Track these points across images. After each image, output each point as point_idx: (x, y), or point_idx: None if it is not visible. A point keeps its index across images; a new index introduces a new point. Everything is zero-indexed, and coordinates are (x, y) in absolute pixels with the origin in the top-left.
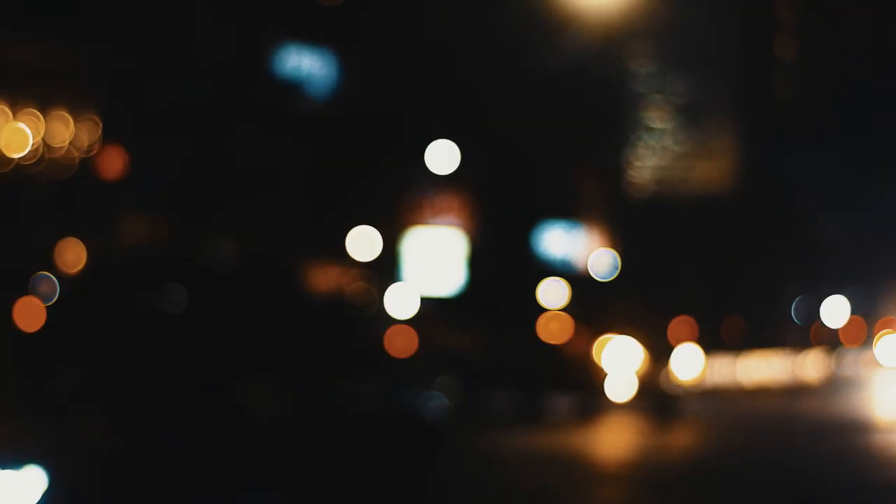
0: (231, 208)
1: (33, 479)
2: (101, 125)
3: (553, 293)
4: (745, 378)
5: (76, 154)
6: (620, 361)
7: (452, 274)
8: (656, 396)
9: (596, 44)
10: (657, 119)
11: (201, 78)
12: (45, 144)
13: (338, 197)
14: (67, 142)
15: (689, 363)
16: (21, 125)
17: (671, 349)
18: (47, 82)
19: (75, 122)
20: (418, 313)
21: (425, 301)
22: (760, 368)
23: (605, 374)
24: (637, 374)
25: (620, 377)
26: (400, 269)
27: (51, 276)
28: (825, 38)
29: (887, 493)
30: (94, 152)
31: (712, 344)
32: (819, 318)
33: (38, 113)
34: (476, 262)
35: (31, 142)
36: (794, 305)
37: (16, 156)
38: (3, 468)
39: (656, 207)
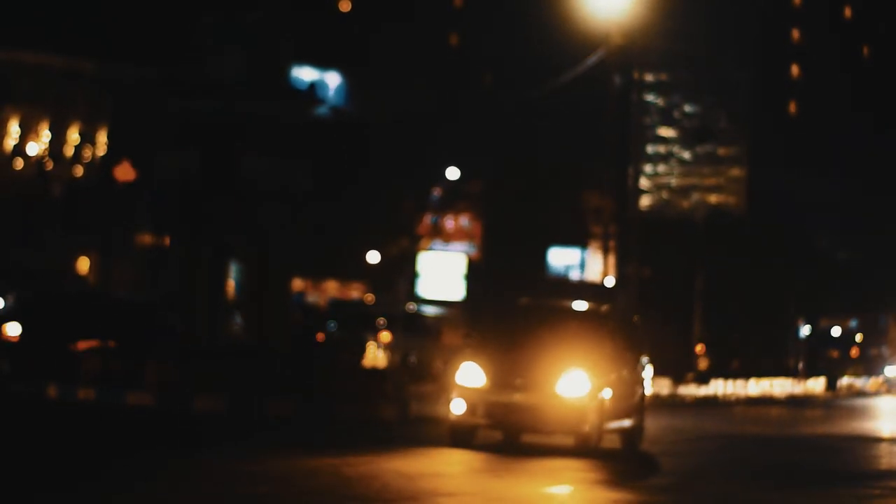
0: (240, 224)
1: None
2: (111, 140)
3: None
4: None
5: (84, 168)
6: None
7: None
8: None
9: (607, 60)
10: (666, 136)
11: (212, 95)
12: (55, 157)
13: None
14: (79, 154)
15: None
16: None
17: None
18: (60, 97)
19: (86, 136)
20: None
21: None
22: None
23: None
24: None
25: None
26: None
27: None
28: (833, 54)
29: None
30: (103, 167)
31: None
32: (828, 338)
33: (51, 125)
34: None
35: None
36: (801, 326)
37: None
38: None
39: (664, 225)
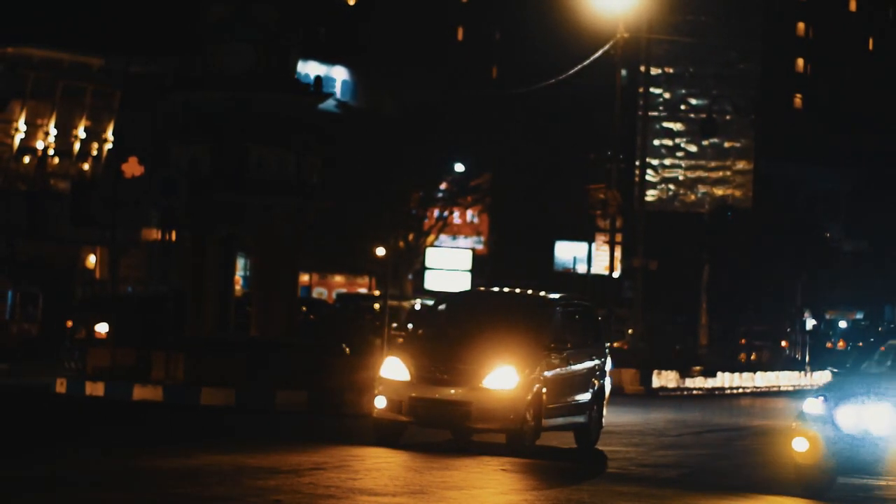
0: (247, 218)
1: None
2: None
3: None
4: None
5: (91, 162)
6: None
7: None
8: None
9: (614, 54)
10: (674, 128)
11: (221, 88)
12: (62, 152)
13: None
14: (86, 149)
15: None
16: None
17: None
18: (68, 92)
19: (94, 130)
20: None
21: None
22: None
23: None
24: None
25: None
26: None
27: None
28: (839, 47)
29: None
30: (110, 161)
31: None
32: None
33: (58, 120)
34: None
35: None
36: (808, 318)
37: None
38: None
39: (669, 218)
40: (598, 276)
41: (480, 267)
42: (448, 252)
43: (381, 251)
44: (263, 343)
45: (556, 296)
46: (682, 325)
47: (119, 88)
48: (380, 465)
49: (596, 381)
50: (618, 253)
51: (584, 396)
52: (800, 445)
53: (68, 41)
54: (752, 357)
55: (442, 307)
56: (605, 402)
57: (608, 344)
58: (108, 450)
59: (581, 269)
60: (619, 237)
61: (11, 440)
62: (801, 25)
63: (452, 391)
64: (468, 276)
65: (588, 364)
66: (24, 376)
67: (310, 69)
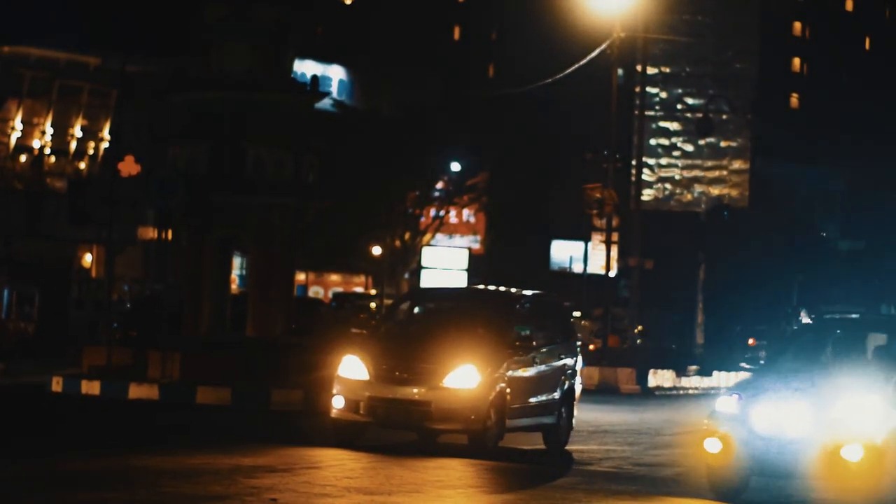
0: (244, 217)
1: None
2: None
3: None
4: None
5: (87, 160)
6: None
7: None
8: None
9: (611, 53)
10: (671, 127)
11: (218, 87)
12: (59, 151)
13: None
14: (83, 148)
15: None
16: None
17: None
18: (65, 91)
19: (91, 129)
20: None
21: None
22: None
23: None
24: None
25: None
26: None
27: None
28: (834, 47)
29: None
30: (107, 160)
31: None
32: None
33: (55, 119)
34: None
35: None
36: (804, 317)
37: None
38: None
39: (669, 218)
40: (595, 276)
41: (477, 266)
42: (444, 251)
43: (377, 250)
44: (259, 342)
45: (522, 292)
46: (679, 323)
47: (116, 88)
48: (375, 464)
49: (565, 381)
50: (614, 252)
51: (553, 396)
52: (712, 446)
53: (65, 40)
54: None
55: (405, 304)
56: (575, 402)
57: (579, 342)
58: (105, 449)
59: (577, 268)
60: (615, 236)
61: (7, 439)
62: (797, 25)
63: (412, 391)
64: (464, 275)
65: (556, 363)
66: (20, 375)
67: (307, 68)
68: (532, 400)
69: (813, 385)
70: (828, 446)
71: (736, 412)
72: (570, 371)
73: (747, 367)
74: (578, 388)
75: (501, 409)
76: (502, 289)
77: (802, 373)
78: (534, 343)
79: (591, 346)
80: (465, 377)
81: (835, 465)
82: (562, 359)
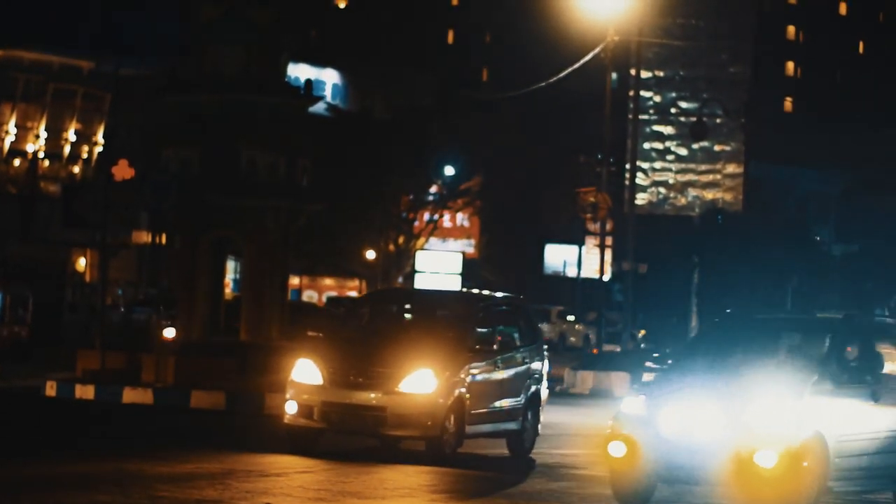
0: (238, 220)
1: None
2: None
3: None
4: None
5: (81, 164)
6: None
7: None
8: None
9: (604, 57)
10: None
11: (212, 90)
12: (53, 155)
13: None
14: (76, 151)
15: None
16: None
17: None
18: (58, 95)
19: (85, 132)
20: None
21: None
22: None
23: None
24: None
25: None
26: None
27: None
28: (829, 51)
29: None
30: (101, 164)
31: None
32: None
33: (48, 123)
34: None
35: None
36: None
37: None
38: None
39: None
40: (589, 280)
41: (471, 270)
42: (438, 255)
43: (371, 254)
44: (253, 346)
45: (484, 294)
46: (672, 328)
47: (109, 91)
48: (370, 468)
49: (531, 385)
50: (608, 256)
51: (516, 401)
52: (616, 450)
53: (59, 44)
54: None
55: (363, 306)
56: (541, 407)
57: (545, 346)
58: (99, 452)
59: (571, 272)
60: (609, 240)
61: (2, 443)
62: (791, 29)
63: (367, 395)
64: (458, 279)
65: (521, 367)
66: (13, 379)
67: (301, 72)
68: (494, 405)
69: (725, 386)
70: (740, 451)
71: (642, 413)
72: (535, 375)
73: (654, 366)
74: (545, 393)
75: (461, 415)
76: (464, 290)
77: (713, 373)
78: (495, 347)
79: (594, 350)
80: (421, 382)
81: (747, 472)
82: (526, 363)
